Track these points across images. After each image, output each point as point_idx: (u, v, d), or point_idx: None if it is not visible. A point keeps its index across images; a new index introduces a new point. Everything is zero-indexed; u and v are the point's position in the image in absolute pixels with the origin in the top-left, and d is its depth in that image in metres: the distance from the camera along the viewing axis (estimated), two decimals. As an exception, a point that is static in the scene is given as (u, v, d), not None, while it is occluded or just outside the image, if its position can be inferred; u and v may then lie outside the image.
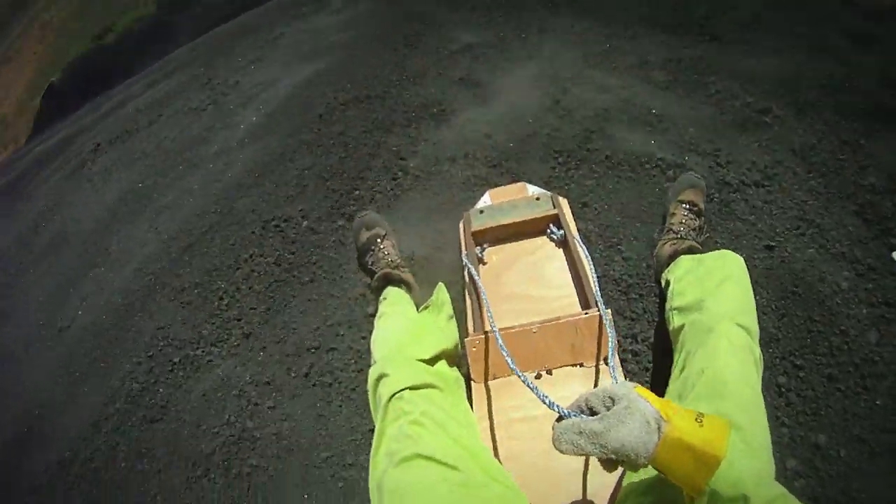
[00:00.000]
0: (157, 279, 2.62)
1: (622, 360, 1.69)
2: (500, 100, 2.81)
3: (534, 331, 1.47)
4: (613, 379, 1.17)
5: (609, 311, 1.42)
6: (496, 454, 1.36)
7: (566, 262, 1.76)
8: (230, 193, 2.90)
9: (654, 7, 3.19)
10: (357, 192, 2.55)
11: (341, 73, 3.59)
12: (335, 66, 3.74)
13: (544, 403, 0.94)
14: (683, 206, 1.84)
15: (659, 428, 0.82)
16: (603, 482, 1.27)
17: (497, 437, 1.39)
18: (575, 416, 0.87)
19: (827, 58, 2.47)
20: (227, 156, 3.26)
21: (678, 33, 2.92)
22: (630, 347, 1.73)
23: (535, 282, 1.76)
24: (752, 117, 2.32)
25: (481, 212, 1.95)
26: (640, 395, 0.86)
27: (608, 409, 0.86)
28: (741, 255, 1.46)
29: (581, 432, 0.84)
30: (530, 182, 2.17)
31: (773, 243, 1.87)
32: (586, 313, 1.47)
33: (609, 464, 0.86)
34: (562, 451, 0.86)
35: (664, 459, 0.81)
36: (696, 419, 0.82)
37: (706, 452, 0.79)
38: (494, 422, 1.42)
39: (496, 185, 2.26)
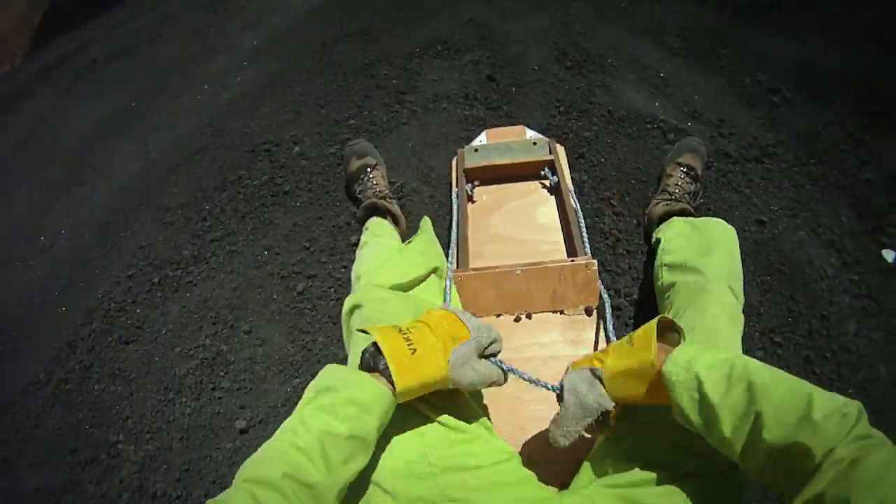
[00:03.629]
0: (142, 197, 2.54)
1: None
2: (508, 46, 2.69)
3: (517, 273, 1.47)
4: (610, 332, 1.30)
5: (596, 261, 1.47)
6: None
7: (556, 209, 1.75)
8: (224, 115, 2.80)
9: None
10: (352, 122, 2.47)
11: (350, 4, 3.44)
12: (345, -3, 3.59)
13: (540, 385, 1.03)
14: (681, 168, 1.85)
15: (599, 378, 0.95)
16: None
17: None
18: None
19: (847, 53, 2.36)
20: (225, 78, 3.13)
21: (700, 1, 2.76)
22: (613, 302, 1.72)
23: (523, 225, 1.75)
24: (761, 95, 2.27)
25: (476, 150, 1.92)
26: (574, 368, 1.00)
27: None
28: (733, 226, 1.47)
29: (564, 427, 0.97)
30: (529, 127, 2.10)
31: (766, 219, 1.89)
32: (572, 261, 1.47)
33: (594, 428, 0.99)
34: (562, 445, 0.98)
35: (619, 394, 0.94)
36: (627, 342, 0.94)
37: (638, 367, 0.89)
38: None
39: (495, 127, 2.19)
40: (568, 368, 1.02)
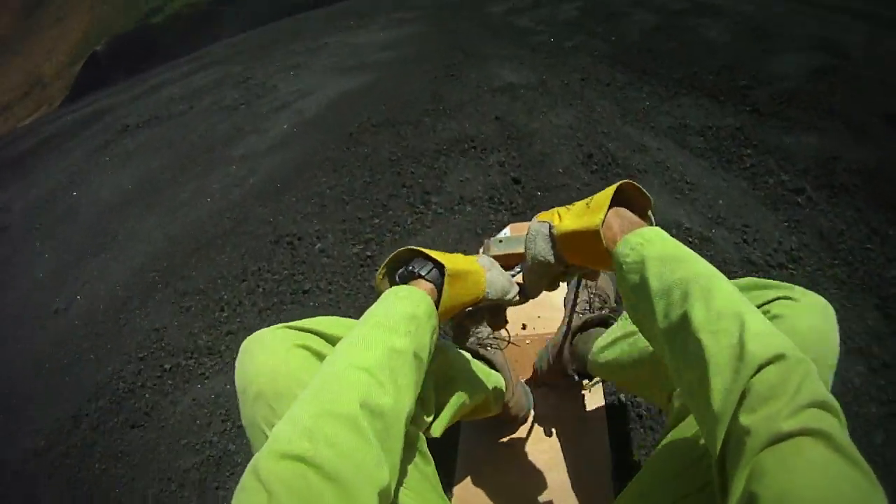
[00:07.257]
0: (161, 277, 2.59)
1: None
2: (534, 145, 2.77)
3: (528, 342, 1.76)
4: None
5: None
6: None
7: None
8: (249, 201, 2.89)
9: (698, 69, 3.14)
10: (376, 221, 2.52)
11: (377, 93, 3.60)
12: (372, 85, 3.76)
13: None
14: None
15: (552, 234, 0.95)
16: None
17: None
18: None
19: (865, 142, 2.40)
20: (252, 161, 3.25)
21: (719, 100, 2.86)
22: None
23: (539, 304, 1.79)
24: (785, 196, 2.25)
25: (500, 241, 1.99)
26: (541, 219, 0.99)
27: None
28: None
29: (528, 278, 1.04)
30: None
31: (791, 335, 1.81)
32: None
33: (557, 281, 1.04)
34: (532, 297, 1.08)
35: (568, 253, 0.94)
36: (587, 203, 0.91)
37: (586, 229, 0.86)
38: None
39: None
40: (534, 219, 1.01)
